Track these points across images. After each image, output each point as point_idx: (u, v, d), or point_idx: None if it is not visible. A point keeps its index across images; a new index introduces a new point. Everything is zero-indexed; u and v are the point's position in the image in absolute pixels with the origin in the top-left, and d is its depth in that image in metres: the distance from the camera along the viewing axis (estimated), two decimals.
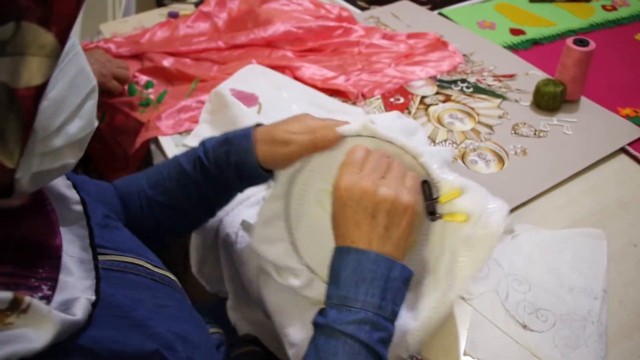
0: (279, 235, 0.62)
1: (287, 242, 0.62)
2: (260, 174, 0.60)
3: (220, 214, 0.78)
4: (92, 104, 0.38)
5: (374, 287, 0.47)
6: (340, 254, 0.50)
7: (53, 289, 0.37)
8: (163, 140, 0.93)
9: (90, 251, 0.42)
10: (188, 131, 0.94)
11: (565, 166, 0.84)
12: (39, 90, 0.32)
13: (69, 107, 0.36)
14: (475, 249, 0.55)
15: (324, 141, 0.57)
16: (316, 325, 0.49)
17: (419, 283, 0.59)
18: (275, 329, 0.65)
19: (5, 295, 0.32)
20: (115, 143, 1.06)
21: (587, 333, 0.60)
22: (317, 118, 0.60)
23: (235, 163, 0.59)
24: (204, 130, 0.93)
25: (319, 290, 0.58)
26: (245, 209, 0.77)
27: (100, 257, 0.45)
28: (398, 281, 0.49)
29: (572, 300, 0.64)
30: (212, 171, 0.61)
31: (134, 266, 0.48)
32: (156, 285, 0.49)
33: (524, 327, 0.61)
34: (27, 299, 0.33)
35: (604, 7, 1.32)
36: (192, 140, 0.91)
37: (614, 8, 1.32)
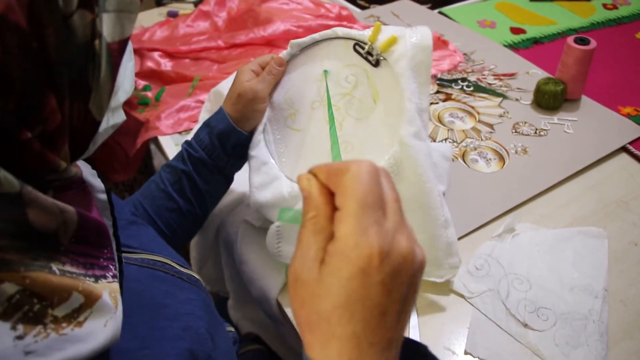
0: (270, 175, 0.64)
1: (278, 175, 0.64)
2: (241, 134, 0.64)
3: (221, 213, 0.78)
4: (132, 64, 0.40)
5: None
6: None
7: (116, 268, 0.36)
8: (163, 140, 0.93)
9: (114, 241, 0.40)
10: (188, 131, 0.94)
11: (565, 165, 0.84)
12: (125, 45, 0.34)
13: (125, 65, 0.37)
14: (416, 60, 0.60)
15: (277, 69, 0.65)
16: None
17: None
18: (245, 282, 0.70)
19: (77, 298, 0.30)
20: (115, 143, 1.05)
21: (588, 332, 0.60)
22: (251, 63, 0.67)
23: (217, 136, 0.64)
24: None
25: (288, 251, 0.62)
26: (245, 209, 0.76)
27: (132, 255, 0.45)
28: None
29: (573, 299, 0.64)
30: (199, 157, 0.65)
31: (162, 264, 0.48)
32: (183, 284, 0.49)
33: (525, 326, 0.61)
34: (96, 305, 0.31)
35: (604, 5, 1.32)
36: None
37: (614, 7, 1.32)
